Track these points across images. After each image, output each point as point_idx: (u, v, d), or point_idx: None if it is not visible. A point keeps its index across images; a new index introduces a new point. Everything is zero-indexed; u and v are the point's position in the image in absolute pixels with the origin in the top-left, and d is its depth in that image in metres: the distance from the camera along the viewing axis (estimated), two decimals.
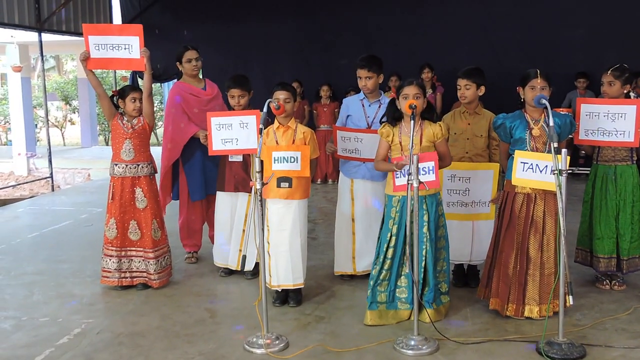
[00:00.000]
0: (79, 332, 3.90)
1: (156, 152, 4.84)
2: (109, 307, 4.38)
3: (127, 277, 4.68)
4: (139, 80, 9.91)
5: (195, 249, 5.42)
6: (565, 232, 3.36)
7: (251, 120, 4.52)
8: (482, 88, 4.34)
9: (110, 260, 4.63)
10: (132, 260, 4.68)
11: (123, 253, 4.65)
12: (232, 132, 4.54)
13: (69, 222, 7.16)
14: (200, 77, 5.32)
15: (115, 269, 4.63)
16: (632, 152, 4.37)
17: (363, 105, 4.68)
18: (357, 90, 4.79)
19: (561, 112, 4.13)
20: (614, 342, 3.59)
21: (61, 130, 20.30)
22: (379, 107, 4.64)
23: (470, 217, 4.46)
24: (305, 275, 4.29)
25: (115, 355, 3.58)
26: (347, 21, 10.37)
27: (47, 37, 10.18)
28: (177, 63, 5.23)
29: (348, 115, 4.74)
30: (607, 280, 4.50)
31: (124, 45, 4.65)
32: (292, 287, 4.24)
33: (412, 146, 3.49)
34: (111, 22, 11.06)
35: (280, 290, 4.28)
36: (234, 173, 4.80)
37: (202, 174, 5.16)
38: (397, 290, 3.94)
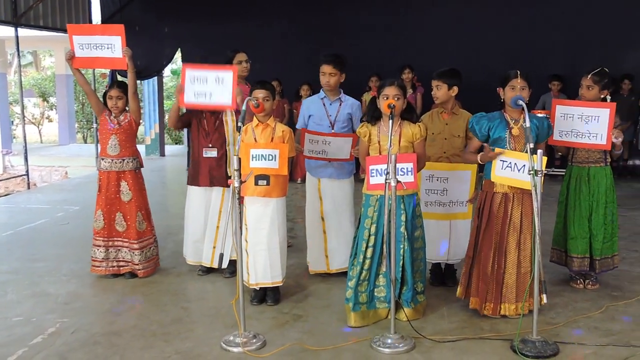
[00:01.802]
0: (53, 331, 3.86)
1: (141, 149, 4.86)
2: (84, 306, 4.34)
3: (114, 266, 4.86)
4: (119, 77, 9.84)
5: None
6: (540, 231, 3.40)
7: (227, 75, 4.51)
8: (455, 88, 4.37)
9: (98, 250, 4.82)
10: (119, 250, 4.87)
11: (110, 243, 4.84)
12: (206, 86, 4.53)
13: (45, 220, 7.09)
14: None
15: (102, 258, 4.80)
16: (605, 154, 4.43)
17: (324, 105, 4.70)
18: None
19: (539, 115, 4.18)
20: (586, 340, 3.64)
21: (38, 127, 20.06)
22: (340, 105, 4.67)
23: (448, 217, 4.49)
24: (284, 273, 4.29)
25: (91, 354, 3.55)
26: (328, 21, 10.39)
27: (24, 32, 10.05)
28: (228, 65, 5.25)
29: (310, 115, 4.75)
30: (581, 280, 4.56)
31: (107, 45, 4.80)
32: (271, 285, 4.24)
33: (390, 145, 3.51)
34: (90, 18, 10.95)
35: (258, 289, 4.27)
36: (209, 167, 4.78)
37: None
38: (375, 289, 3.96)
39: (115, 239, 4.85)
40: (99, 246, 4.81)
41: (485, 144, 3.98)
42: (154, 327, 3.92)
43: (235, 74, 4.48)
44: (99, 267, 4.82)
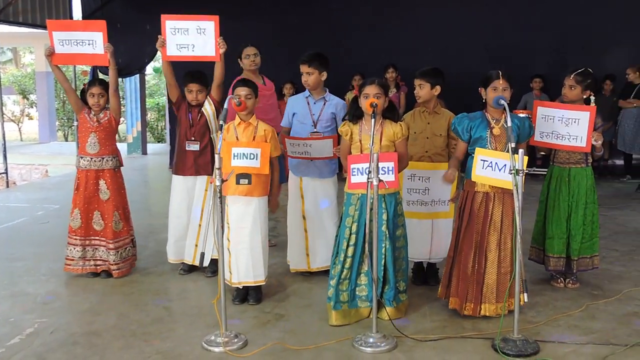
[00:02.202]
0: (31, 331, 3.81)
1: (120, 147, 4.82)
2: (64, 306, 4.30)
3: (91, 265, 4.81)
4: (100, 74, 9.75)
5: None
6: (521, 231, 3.42)
7: (209, 26, 4.51)
8: (438, 88, 4.38)
9: (74, 248, 4.75)
10: (96, 249, 4.82)
11: (87, 242, 4.80)
12: (188, 38, 4.52)
13: (24, 219, 7.00)
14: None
15: (79, 257, 4.75)
16: (586, 155, 4.45)
17: (308, 103, 4.70)
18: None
19: (520, 115, 4.20)
20: (567, 338, 3.67)
21: (18, 125, 19.81)
22: (324, 104, 4.68)
23: (430, 216, 4.50)
24: (266, 272, 4.27)
25: (69, 355, 3.50)
26: (312, 20, 10.37)
27: (3, 28, 9.93)
28: (238, 59, 5.36)
29: (294, 114, 4.75)
30: (562, 279, 4.59)
31: (88, 41, 4.75)
32: (253, 284, 4.22)
33: (372, 144, 3.51)
34: (71, 14, 10.83)
35: (240, 288, 4.25)
36: (194, 156, 4.77)
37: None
38: (357, 288, 3.96)
39: (92, 237, 4.80)
40: (75, 245, 4.75)
41: (449, 170, 4.02)
42: (134, 327, 3.88)
43: (216, 24, 4.47)
44: (73, 266, 4.76)
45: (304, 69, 4.60)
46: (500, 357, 3.43)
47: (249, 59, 5.32)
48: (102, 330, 3.83)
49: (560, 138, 4.34)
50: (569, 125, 4.30)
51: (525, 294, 3.39)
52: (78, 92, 4.98)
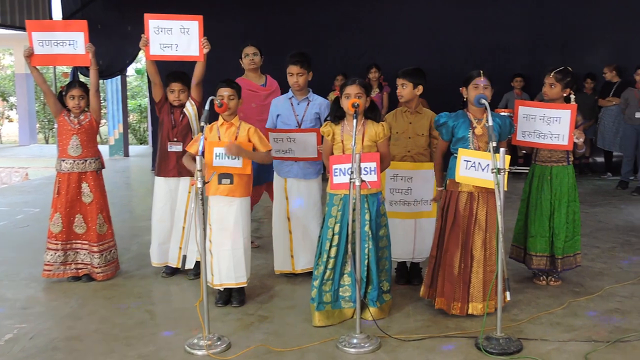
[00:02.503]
0: (10, 337, 3.76)
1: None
2: (44, 311, 4.24)
3: (72, 269, 4.73)
4: (80, 76, 9.65)
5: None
6: (504, 230, 3.43)
7: (193, 25, 4.50)
8: (420, 87, 4.39)
9: (55, 254, 4.66)
10: (77, 252, 4.74)
11: (69, 246, 4.73)
12: (172, 37, 4.51)
13: (4, 222, 6.91)
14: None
15: (60, 262, 4.67)
16: (568, 153, 4.48)
17: (292, 104, 4.69)
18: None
19: (502, 114, 4.22)
20: (549, 335, 3.69)
21: None
22: (308, 104, 4.67)
23: (413, 216, 4.51)
24: (248, 274, 4.25)
25: None
26: (294, 20, 10.35)
27: None
28: (240, 60, 5.46)
29: (278, 115, 4.74)
30: (544, 276, 4.62)
31: (69, 41, 4.70)
32: (235, 286, 4.19)
33: (355, 144, 3.50)
34: (50, 15, 10.71)
35: (222, 290, 4.23)
36: (177, 157, 4.73)
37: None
38: (340, 289, 3.95)
39: (74, 241, 4.73)
40: (56, 250, 4.67)
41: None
42: (116, 331, 3.84)
43: (201, 24, 4.45)
44: (53, 271, 4.67)
45: (294, 69, 4.58)
46: (484, 356, 3.44)
47: (248, 58, 5.37)
48: (83, 335, 3.79)
49: (543, 137, 4.36)
50: (550, 124, 4.32)
51: (508, 293, 3.41)
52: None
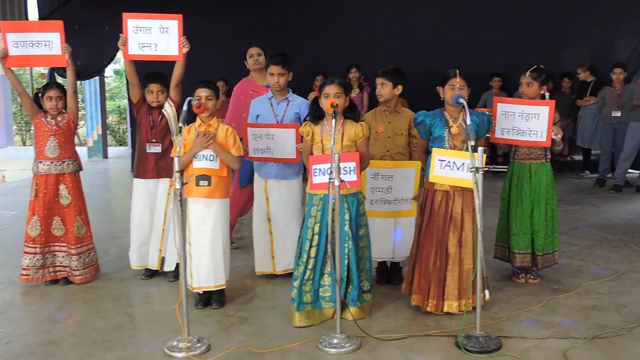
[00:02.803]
0: None
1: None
2: (21, 315, 4.18)
3: (51, 272, 4.68)
4: (57, 77, 9.54)
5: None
6: (482, 228, 3.45)
7: (172, 25, 4.47)
8: (399, 87, 4.40)
9: (33, 258, 4.60)
10: (55, 255, 4.69)
11: (47, 249, 4.67)
12: (151, 37, 4.48)
13: None
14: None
15: (38, 267, 4.61)
16: (546, 150, 4.53)
17: (271, 104, 4.68)
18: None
19: (479, 111, 4.24)
20: (528, 333, 3.71)
21: None
22: (287, 104, 4.67)
23: (393, 215, 4.51)
24: (228, 275, 4.23)
25: None
26: (272, 20, 10.34)
27: None
28: (244, 61, 5.52)
29: (257, 115, 4.73)
30: (523, 274, 4.65)
31: (44, 42, 4.64)
32: (214, 289, 4.17)
33: (334, 144, 3.50)
34: (26, 15, 10.57)
35: (202, 292, 4.20)
36: (155, 158, 4.70)
37: (248, 163, 4.92)
38: (320, 289, 3.94)
39: (52, 244, 4.68)
40: (34, 254, 4.60)
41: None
42: (94, 335, 3.79)
43: (180, 23, 4.43)
44: (31, 276, 4.61)
45: (276, 70, 4.57)
46: (464, 354, 3.45)
47: (253, 58, 5.40)
48: (60, 339, 3.73)
49: (521, 134, 4.39)
50: (529, 121, 4.35)
51: (487, 291, 3.42)
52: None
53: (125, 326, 3.94)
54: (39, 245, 4.62)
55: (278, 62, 4.56)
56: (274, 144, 4.54)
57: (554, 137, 4.33)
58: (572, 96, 9.68)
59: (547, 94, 4.56)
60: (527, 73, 4.48)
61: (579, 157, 10.45)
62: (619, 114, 8.48)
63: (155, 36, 4.48)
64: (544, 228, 4.52)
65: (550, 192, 4.54)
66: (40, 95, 4.67)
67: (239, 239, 5.95)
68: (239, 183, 5.51)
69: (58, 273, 4.71)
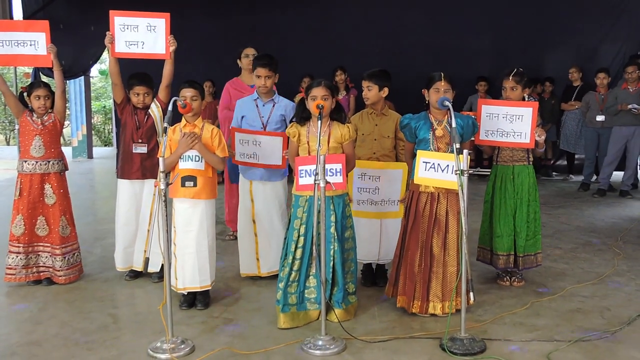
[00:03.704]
0: None
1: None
2: (3, 315, 4.13)
3: (34, 272, 4.66)
4: (42, 76, 9.47)
5: (237, 227, 5.25)
6: (467, 230, 3.46)
7: (159, 23, 4.48)
8: (385, 89, 4.41)
9: (17, 257, 4.58)
10: (39, 255, 4.67)
11: (30, 249, 4.63)
12: (138, 35, 4.49)
13: None
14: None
15: (22, 266, 4.59)
16: (528, 153, 4.56)
17: (257, 106, 4.68)
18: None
19: (464, 114, 4.26)
20: (512, 335, 3.72)
21: None
22: (273, 106, 4.67)
23: (379, 216, 4.51)
24: (213, 276, 4.21)
25: None
26: (260, 22, 10.35)
27: None
28: (238, 59, 5.66)
29: (242, 117, 4.72)
30: (507, 277, 4.67)
31: (30, 42, 4.63)
32: (199, 289, 4.15)
33: (319, 146, 3.50)
34: (11, 15, 10.49)
35: (187, 293, 4.18)
36: (141, 158, 4.67)
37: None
38: (306, 290, 3.93)
39: (35, 244, 4.64)
40: (18, 253, 4.58)
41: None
42: (77, 336, 3.75)
43: (167, 21, 4.44)
44: (16, 275, 4.58)
45: (263, 72, 4.57)
46: (448, 356, 3.45)
47: (248, 58, 5.50)
48: (42, 340, 3.69)
49: (505, 135, 4.41)
50: (513, 122, 4.38)
51: (472, 293, 3.43)
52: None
53: (109, 327, 3.91)
54: (22, 245, 4.59)
55: (265, 65, 4.56)
56: (260, 150, 4.54)
57: (537, 138, 4.37)
58: (552, 101, 9.75)
59: (526, 97, 4.60)
60: (510, 77, 4.51)
61: (563, 162, 10.56)
62: (602, 118, 8.56)
63: (142, 34, 4.49)
64: (526, 230, 4.54)
65: (533, 194, 4.57)
66: (26, 94, 4.64)
67: (223, 240, 5.94)
68: (229, 179, 5.53)
69: (41, 273, 4.67)
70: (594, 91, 8.76)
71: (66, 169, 4.77)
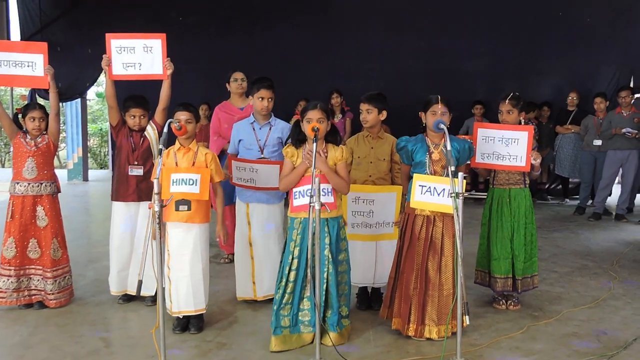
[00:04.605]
0: None
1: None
2: None
3: (25, 296, 4.60)
4: (38, 98, 9.49)
5: (232, 250, 5.41)
6: (462, 253, 3.44)
7: (156, 44, 4.51)
8: (384, 113, 4.42)
9: (8, 280, 4.53)
10: (31, 278, 4.62)
11: (22, 272, 4.58)
12: (134, 56, 4.51)
13: None
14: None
15: (13, 289, 4.54)
16: (524, 176, 4.56)
17: (254, 129, 4.68)
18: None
19: (461, 138, 4.27)
20: (509, 359, 3.70)
21: None
22: (270, 129, 4.67)
23: (374, 238, 4.49)
24: (207, 300, 4.17)
25: None
26: (257, 45, 10.42)
27: None
28: (227, 83, 5.76)
29: (240, 140, 4.72)
30: (503, 301, 4.65)
31: (27, 63, 4.65)
32: (194, 313, 4.11)
33: (314, 168, 3.49)
34: (9, 37, 10.54)
35: (181, 317, 4.13)
36: (136, 180, 4.66)
37: (228, 182, 4.90)
38: (300, 313, 3.90)
39: (27, 267, 4.60)
40: (9, 276, 4.53)
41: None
42: None
43: (164, 42, 4.46)
44: (7, 299, 4.53)
45: (266, 94, 4.60)
46: None
47: (237, 82, 5.69)
48: None
49: (501, 158, 4.42)
50: (509, 145, 4.39)
51: (467, 317, 3.41)
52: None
53: (100, 351, 3.86)
54: (13, 267, 4.54)
55: (269, 87, 4.60)
56: (257, 176, 4.53)
57: (533, 162, 4.37)
58: (550, 125, 9.80)
59: (522, 120, 4.61)
60: (507, 101, 4.52)
61: (558, 186, 10.57)
62: (600, 142, 8.59)
63: (139, 55, 4.52)
64: (524, 252, 4.53)
65: (530, 217, 4.56)
66: (21, 115, 4.64)
67: (218, 264, 5.90)
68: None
69: (33, 297, 4.62)
70: (592, 115, 8.80)
71: (59, 191, 4.75)
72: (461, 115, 9.53)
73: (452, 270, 3.90)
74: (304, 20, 10.52)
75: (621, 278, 5.50)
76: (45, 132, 4.66)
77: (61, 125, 16.81)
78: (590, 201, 9.14)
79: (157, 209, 3.41)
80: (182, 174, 3.90)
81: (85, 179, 13.37)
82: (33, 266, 4.61)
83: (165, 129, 3.75)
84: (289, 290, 3.83)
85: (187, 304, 4.07)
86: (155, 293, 4.59)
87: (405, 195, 4.24)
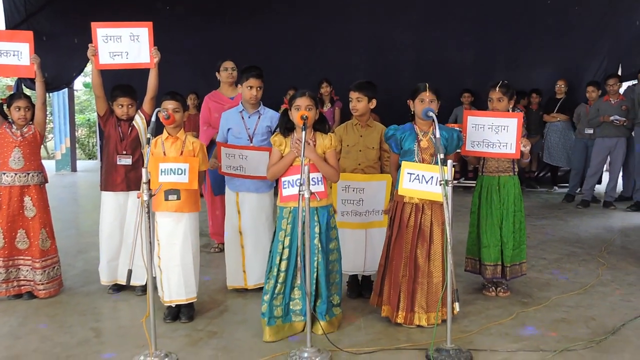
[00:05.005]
0: None
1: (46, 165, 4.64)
2: None
3: (15, 286, 4.59)
4: (25, 88, 9.39)
5: (222, 240, 5.39)
6: (452, 241, 3.45)
7: (142, 32, 4.49)
8: (374, 101, 4.42)
9: None
10: (19, 269, 4.60)
11: (10, 262, 4.56)
12: (121, 45, 4.48)
13: None
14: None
15: (2, 280, 4.53)
16: (513, 163, 4.58)
17: (242, 118, 4.67)
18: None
19: (450, 127, 4.28)
20: (498, 346, 3.71)
21: None
22: (259, 118, 4.66)
23: (364, 226, 4.50)
24: (197, 289, 4.17)
25: None
26: (245, 35, 10.36)
27: None
28: (216, 72, 5.72)
29: (229, 129, 4.70)
30: (493, 287, 4.67)
31: (13, 52, 4.59)
32: (185, 302, 4.11)
33: (303, 156, 3.49)
34: None
35: (172, 306, 4.13)
36: (125, 170, 4.64)
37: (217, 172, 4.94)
38: (291, 302, 3.90)
39: (15, 257, 4.58)
40: None
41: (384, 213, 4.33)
42: (57, 350, 3.69)
43: (150, 30, 4.43)
44: None
45: (255, 82, 4.59)
46: None
47: (227, 71, 5.65)
48: (22, 354, 3.63)
49: (491, 146, 4.42)
50: (498, 133, 4.40)
51: (457, 304, 3.43)
52: None
53: (91, 341, 3.85)
54: (1, 259, 4.52)
55: (258, 75, 4.60)
56: (246, 163, 4.52)
57: (522, 149, 4.39)
58: (540, 112, 9.84)
59: (510, 108, 4.63)
60: (497, 89, 4.53)
61: (547, 173, 10.63)
62: (591, 130, 8.63)
63: (126, 44, 4.48)
64: (512, 240, 4.55)
65: (518, 205, 4.58)
66: (6, 105, 4.59)
67: (208, 253, 5.89)
68: (212, 191, 5.51)
69: (22, 287, 4.61)
70: (585, 103, 8.84)
71: (46, 181, 4.72)
72: (449, 104, 9.55)
73: (442, 257, 3.91)
74: (293, 11, 10.48)
75: (609, 264, 5.54)
76: (31, 122, 4.62)
77: (49, 116, 16.69)
78: (579, 189, 9.19)
79: (145, 198, 3.41)
80: (170, 163, 3.87)
81: (74, 169, 13.30)
82: (22, 257, 4.59)
83: (153, 118, 3.74)
84: (280, 280, 3.83)
85: (179, 293, 4.07)
86: (146, 283, 4.58)
87: (394, 184, 4.24)
